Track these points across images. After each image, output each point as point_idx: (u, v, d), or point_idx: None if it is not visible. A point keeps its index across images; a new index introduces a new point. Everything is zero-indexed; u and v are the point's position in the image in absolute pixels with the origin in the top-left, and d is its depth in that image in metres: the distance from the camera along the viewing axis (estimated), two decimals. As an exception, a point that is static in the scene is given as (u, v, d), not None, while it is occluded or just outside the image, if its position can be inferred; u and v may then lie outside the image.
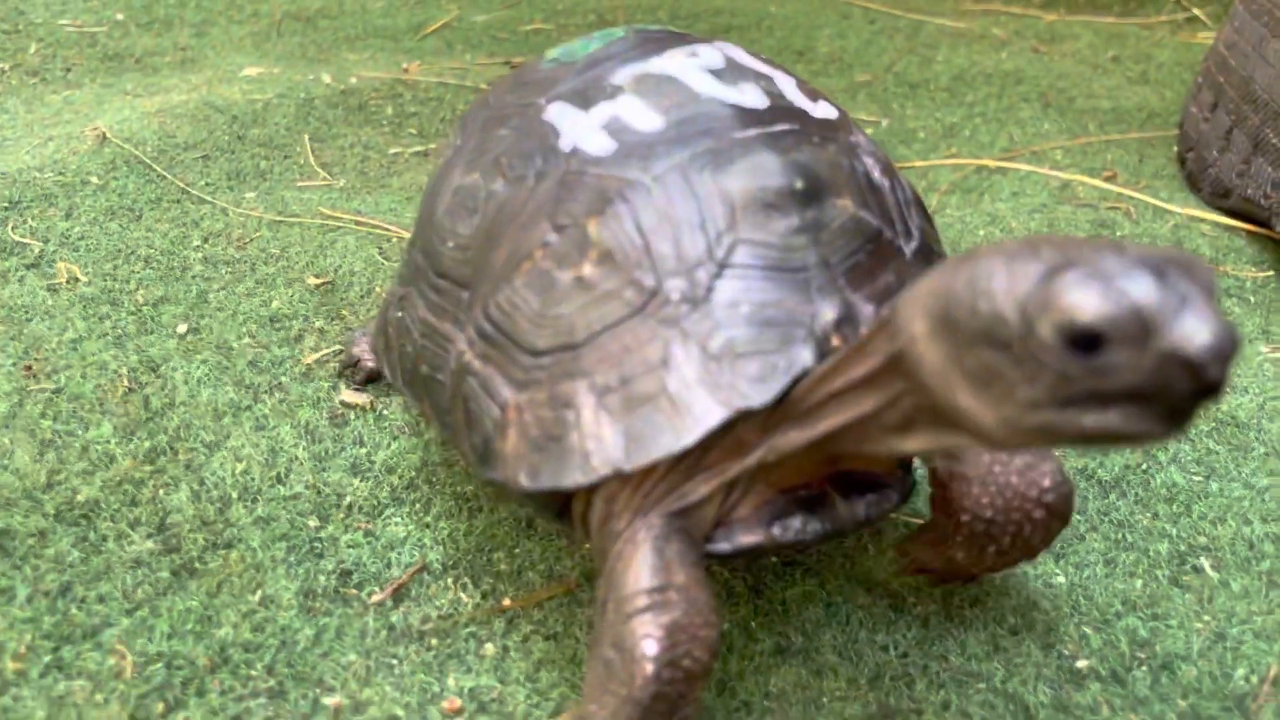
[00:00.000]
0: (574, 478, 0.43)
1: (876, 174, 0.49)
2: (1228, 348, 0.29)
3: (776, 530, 0.46)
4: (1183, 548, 0.59)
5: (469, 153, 0.53)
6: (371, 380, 0.71)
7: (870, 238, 0.46)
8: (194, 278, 0.84)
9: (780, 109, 0.48)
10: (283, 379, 0.72)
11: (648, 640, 0.42)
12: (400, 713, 0.49)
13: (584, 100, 0.49)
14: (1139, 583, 0.57)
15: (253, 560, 0.57)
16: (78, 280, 0.83)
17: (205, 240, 0.91)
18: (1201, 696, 0.50)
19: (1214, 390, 0.30)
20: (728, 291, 0.43)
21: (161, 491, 0.61)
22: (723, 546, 0.46)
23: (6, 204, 0.93)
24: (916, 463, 0.51)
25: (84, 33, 1.58)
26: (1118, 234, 0.99)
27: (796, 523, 0.46)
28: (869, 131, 1.28)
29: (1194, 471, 0.65)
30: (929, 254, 0.49)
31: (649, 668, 0.42)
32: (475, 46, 1.56)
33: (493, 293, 0.48)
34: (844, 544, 0.60)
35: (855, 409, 0.40)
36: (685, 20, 1.67)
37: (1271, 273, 0.93)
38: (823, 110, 0.51)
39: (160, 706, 0.49)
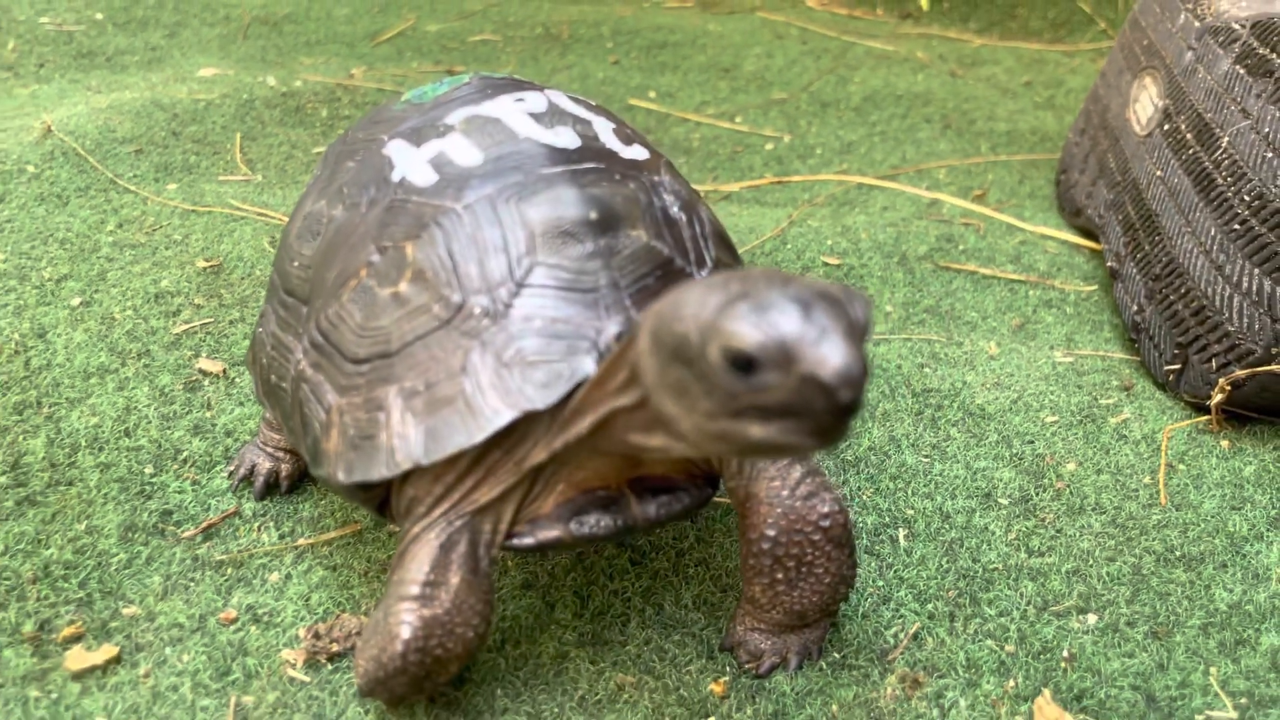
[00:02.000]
0: (379, 471, 0.50)
1: (675, 209, 0.56)
2: (856, 374, 0.36)
3: (574, 526, 0.52)
4: (886, 519, 0.68)
5: (321, 182, 0.61)
6: (272, 489, 0.69)
7: (661, 264, 0.53)
8: (99, 259, 0.94)
9: (589, 149, 0.56)
10: (152, 348, 0.81)
11: (404, 626, 0.49)
12: (184, 620, 0.59)
13: (418, 137, 0.57)
14: (851, 547, 0.65)
15: (87, 496, 0.66)
16: (0, 260, 0.93)
17: (119, 226, 1.01)
18: (853, 650, 0.59)
19: (849, 410, 0.36)
20: (524, 308, 0.49)
21: (21, 437, 0.70)
22: (526, 541, 0.52)
23: (-56, 187, 1.04)
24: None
25: (62, 31, 1.69)
26: (960, 248, 1.07)
27: (592, 519, 0.52)
28: (769, 147, 1.37)
29: (926, 454, 0.74)
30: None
31: (398, 648, 0.49)
32: (423, 54, 1.66)
33: (324, 307, 0.55)
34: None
35: (609, 409, 0.46)
36: (625, 36, 1.77)
37: (1095, 287, 1.02)
38: (633, 152, 0.58)
39: (-17, 609, 0.58)
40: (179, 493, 0.68)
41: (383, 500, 0.54)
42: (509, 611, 0.61)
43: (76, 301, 0.87)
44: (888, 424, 0.78)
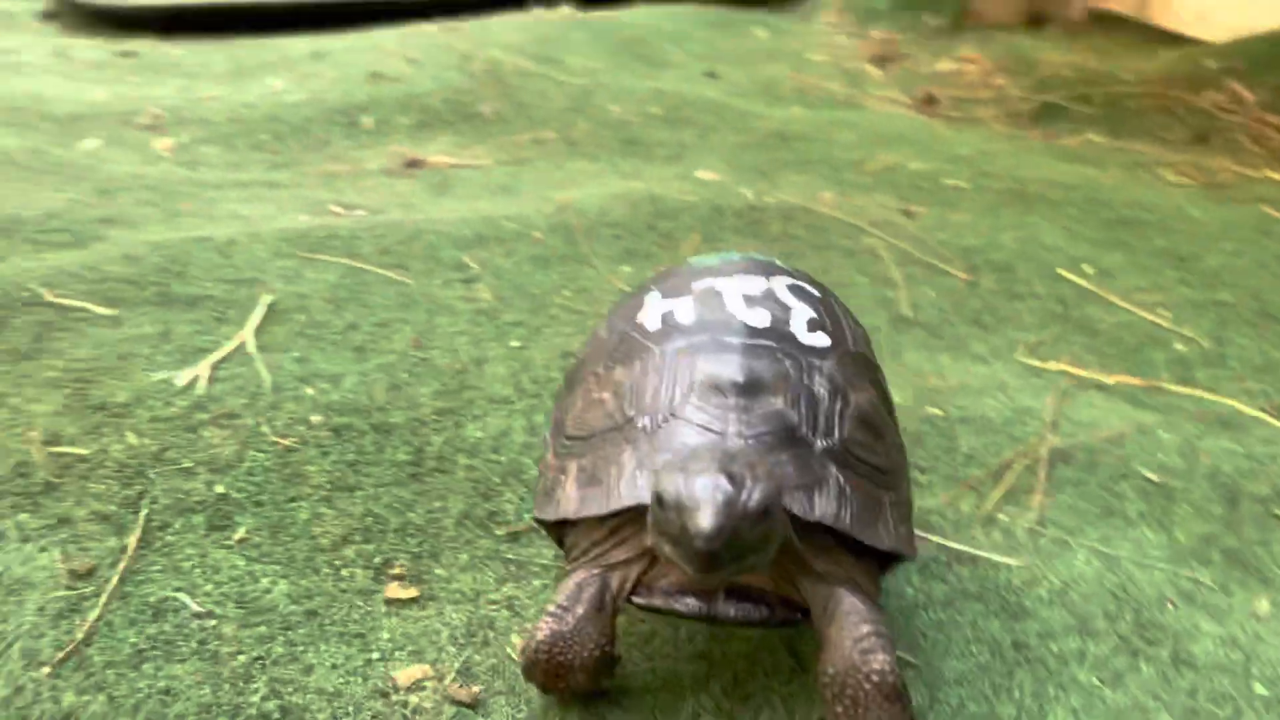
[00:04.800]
0: (549, 515, 0.72)
1: (821, 389, 0.70)
2: (710, 534, 0.53)
3: (671, 600, 0.68)
4: None
5: (612, 309, 0.84)
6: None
7: (785, 427, 0.68)
8: (547, 315, 1.24)
9: (773, 330, 0.72)
10: (543, 393, 1.08)
11: (539, 630, 0.69)
12: (466, 591, 0.83)
13: (667, 293, 0.77)
14: None
15: (450, 486, 0.94)
16: (485, 299, 1.26)
17: (574, 293, 1.31)
18: None
19: (708, 556, 0.53)
20: (669, 432, 0.68)
21: (432, 433, 1.00)
22: (638, 599, 0.70)
23: (473, 236, 1.41)
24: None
25: (621, 119, 2.10)
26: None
27: (687, 600, 0.68)
28: (1179, 347, 1.36)
29: (1095, 681, 0.78)
30: (839, 454, 0.69)
31: (533, 645, 0.69)
32: (894, 189, 1.83)
33: (566, 395, 0.78)
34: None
35: None
36: (1094, 205, 1.80)
37: None
38: (814, 339, 0.73)
39: None
40: (508, 502, 0.93)
41: (560, 540, 0.76)
42: (668, 666, 0.77)
43: (516, 344, 1.17)
44: (1068, 647, 0.82)
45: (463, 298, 1.26)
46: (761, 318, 0.73)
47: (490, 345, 1.16)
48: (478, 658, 0.77)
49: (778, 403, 0.68)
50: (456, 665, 0.76)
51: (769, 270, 0.79)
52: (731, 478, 0.54)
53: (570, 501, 0.70)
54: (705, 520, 0.52)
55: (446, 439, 0.99)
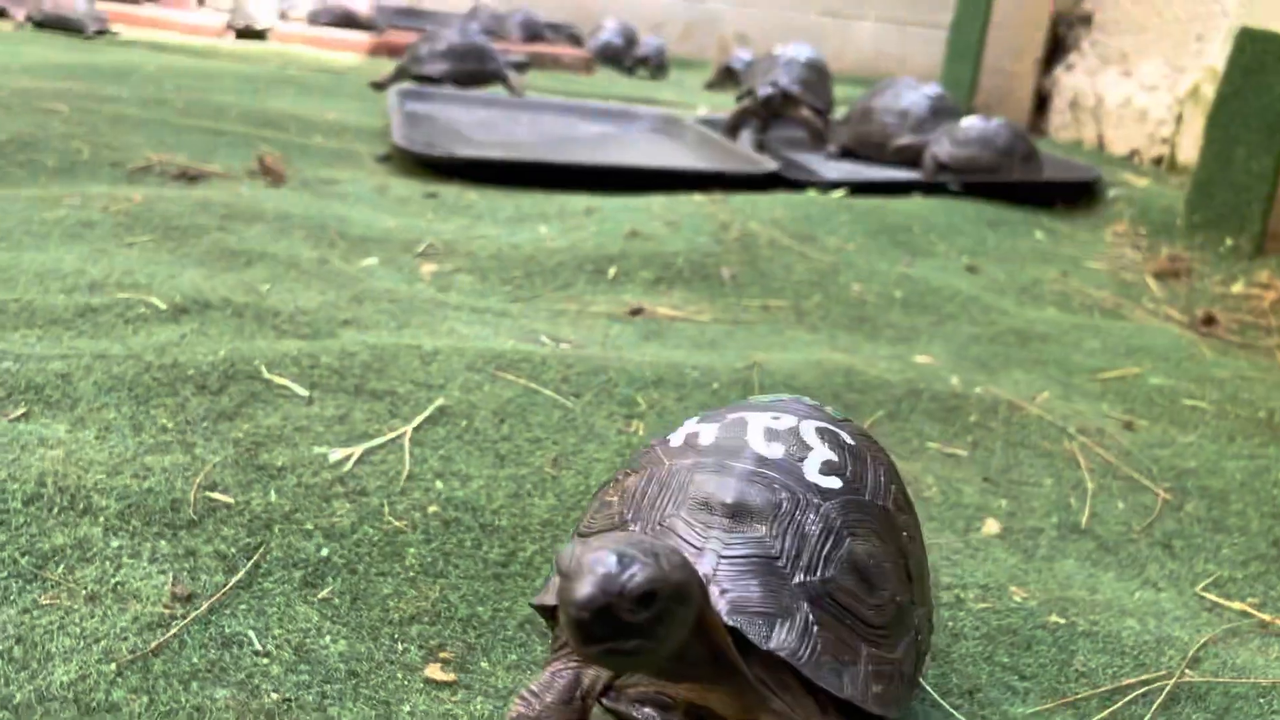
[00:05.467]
0: (533, 599, 0.77)
1: (814, 528, 0.70)
2: (581, 604, 0.54)
3: (634, 710, 0.70)
4: None
5: None
6: None
7: (765, 557, 0.68)
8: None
9: (781, 465, 0.73)
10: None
11: (510, 713, 0.72)
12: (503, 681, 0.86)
13: (705, 419, 0.80)
14: None
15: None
16: (638, 435, 1.32)
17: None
18: None
19: (581, 625, 0.55)
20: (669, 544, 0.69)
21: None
22: (605, 701, 0.71)
23: (653, 378, 1.47)
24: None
25: (859, 298, 2.13)
26: None
27: (649, 711, 0.69)
28: None
29: None
30: (816, 593, 0.68)
31: None
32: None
33: (595, 496, 0.83)
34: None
35: None
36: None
37: None
38: (825, 481, 0.73)
39: None
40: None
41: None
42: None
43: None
44: None
45: (619, 430, 1.32)
46: (775, 451, 0.75)
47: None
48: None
49: (761, 530, 0.69)
50: (457, 749, 0.79)
51: (807, 413, 0.80)
52: (620, 557, 0.55)
53: (550, 590, 0.73)
54: (580, 589, 0.54)
55: (540, 549, 1.04)
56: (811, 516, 0.71)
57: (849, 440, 0.79)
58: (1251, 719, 0.93)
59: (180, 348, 1.34)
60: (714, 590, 0.66)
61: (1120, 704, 0.94)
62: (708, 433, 0.78)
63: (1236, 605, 1.16)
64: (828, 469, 0.75)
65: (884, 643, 0.71)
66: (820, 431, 0.78)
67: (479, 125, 3.36)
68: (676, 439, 0.79)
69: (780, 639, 0.65)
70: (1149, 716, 0.92)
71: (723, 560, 0.68)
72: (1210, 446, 1.57)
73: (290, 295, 1.63)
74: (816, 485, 0.73)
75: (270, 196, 2.24)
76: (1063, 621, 1.04)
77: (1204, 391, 1.81)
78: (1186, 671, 0.99)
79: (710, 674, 0.65)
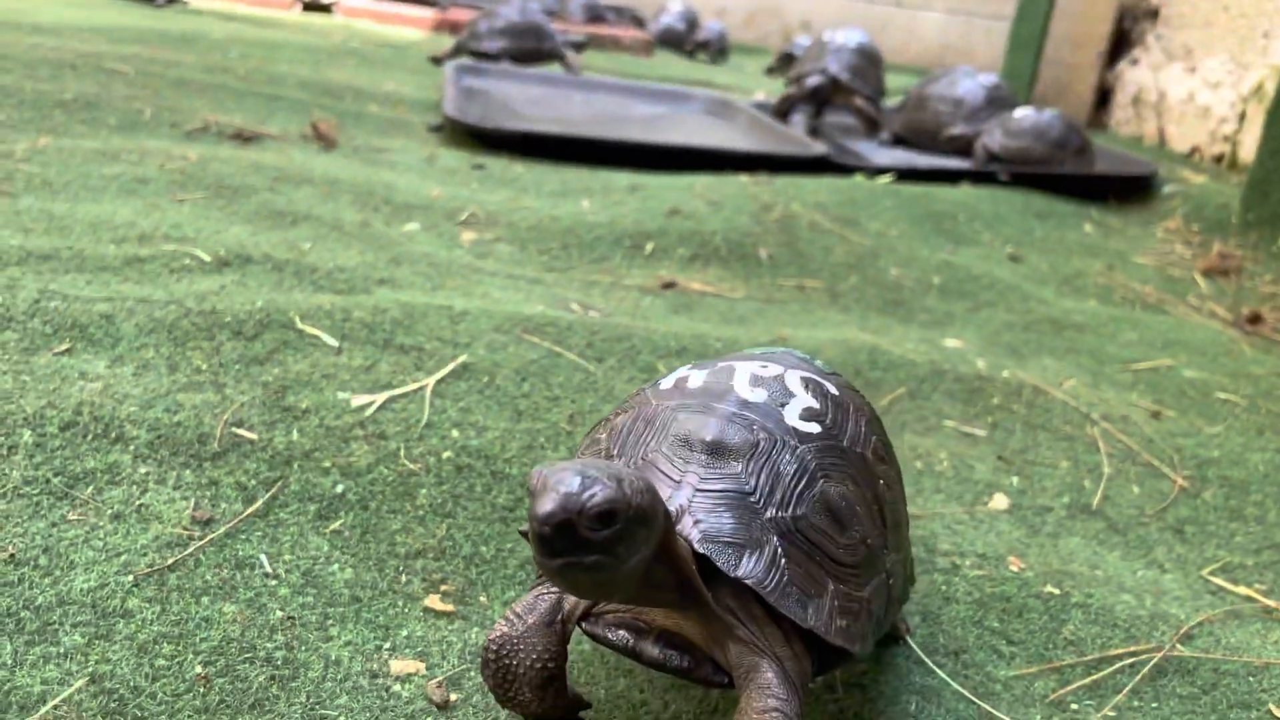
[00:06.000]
0: (521, 528, 0.79)
1: (789, 467, 0.72)
2: (543, 517, 0.58)
3: (607, 630, 0.73)
4: None
5: None
6: None
7: (737, 490, 0.71)
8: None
9: (762, 408, 0.76)
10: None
11: (494, 629, 0.75)
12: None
13: (700, 367, 0.83)
14: None
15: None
16: (660, 398, 1.35)
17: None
18: None
19: (544, 540, 0.58)
20: (638, 470, 0.73)
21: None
22: (585, 625, 0.75)
23: (676, 348, 1.50)
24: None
25: (896, 282, 2.13)
26: None
27: (620, 633, 0.73)
28: None
29: None
30: (786, 528, 0.70)
31: (486, 642, 0.75)
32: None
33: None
34: None
35: None
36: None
37: None
38: (804, 426, 0.75)
39: None
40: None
41: None
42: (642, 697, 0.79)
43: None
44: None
45: (637, 393, 1.35)
46: (758, 395, 0.77)
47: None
48: (471, 673, 0.83)
49: (737, 467, 0.72)
50: (448, 673, 0.83)
51: (795, 364, 0.83)
52: (583, 477, 0.58)
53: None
54: (543, 505, 0.57)
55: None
56: (787, 457, 0.73)
57: (833, 390, 0.81)
58: (1239, 696, 0.94)
59: (219, 296, 1.39)
60: (688, 520, 0.69)
61: (1105, 673, 0.95)
62: (696, 377, 0.80)
63: (1242, 590, 1.16)
64: (808, 415, 0.77)
65: (853, 581, 0.73)
66: (805, 381, 0.80)
67: (532, 102, 3.40)
68: (667, 383, 0.81)
69: (748, 568, 0.68)
70: (1132, 685, 0.93)
71: (698, 493, 0.70)
72: (1237, 439, 1.56)
73: (330, 254, 1.68)
74: (795, 429, 0.75)
75: (321, 161, 2.30)
76: (1057, 592, 1.05)
77: (1237, 386, 1.79)
78: (1178, 646, 1.00)
79: (676, 600, 0.68)
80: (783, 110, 3.34)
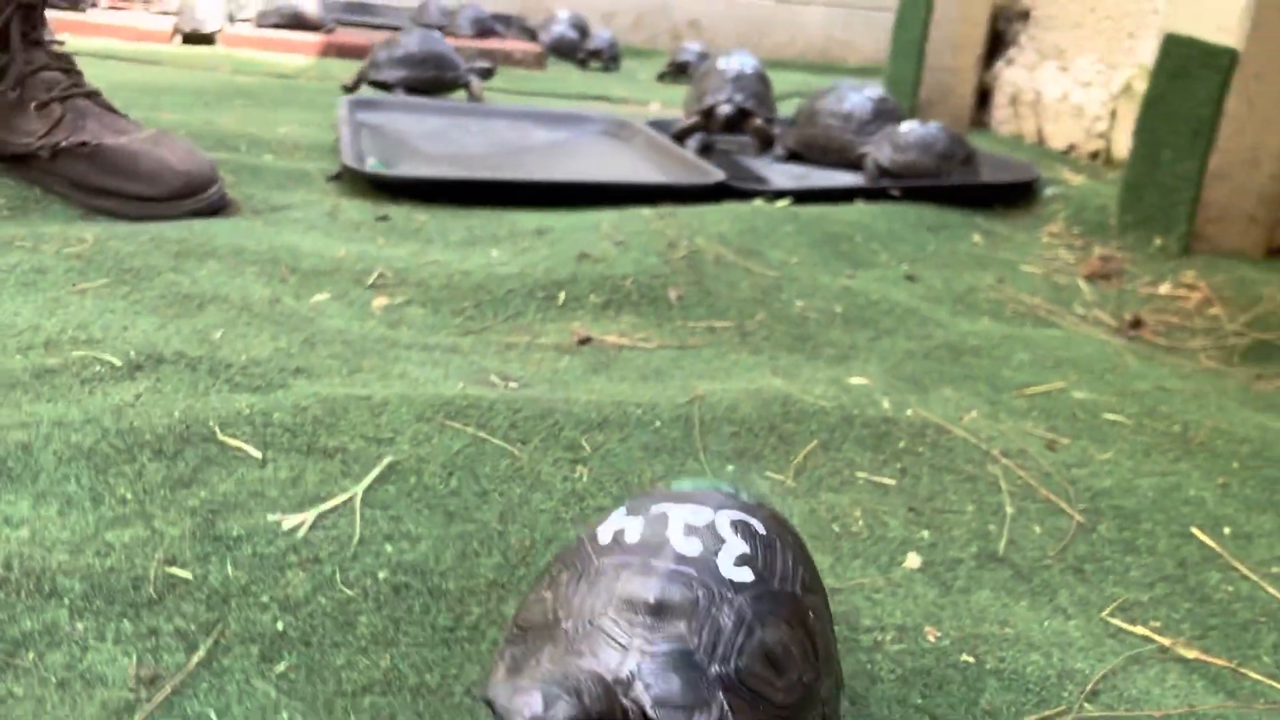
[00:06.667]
0: (474, 692, 0.84)
1: (727, 620, 0.78)
2: None
3: None
4: None
5: None
6: None
7: (682, 651, 0.76)
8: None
9: (697, 561, 0.81)
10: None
11: None
12: None
13: (630, 511, 0.87)
14: None
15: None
16: (582, 482, 1.39)
17: (668, 485, 1.41)
18: None
19: None
20: (586, 640, 0.78)
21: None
22: None
23: (598, 420, 1.54)
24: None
25: (801, 315, 2.20)
26: None
27: None
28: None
29: None
30: (731, 682, 0.76)
31: None
32: (1027, 416, 1.81)
33: (531, 587, 0.88)
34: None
35: None
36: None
37: None
38: (738, 574, 0.81)
39: None
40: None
41: None
42: None
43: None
44: None
45: (564, 478, 1.39)
46: (693, 547, 0.82)
47: (566, 527, 1.28)
48: None
49: (681, 627, 0.77)
50: (407, 822, 0.86)
51: (722, 504, 0.88)
52: (546, 697, 0.63)
53: (492, 685, 0.80)
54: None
55: (485, 612, 1.11)
56: (726, 610, 0.79)
57: (761, 531, 0.86)
58: (1140, 752, 1.02)
59: (135, 410, 1.39)
60: (639, 685, 0.74)
61: (1021, 743, 1.02)
62: (633, 529, 0.85)
63: (1139, 630, 1.26)
64: (740, 561, 0.82)
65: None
66: (734, 525, 0.85)
67: (429, 136, 3.39)
68: (605, 535, 0.86)
69: None
70: (1045, 756, 1.01)
71: (645, 656, 0.75)
72: (1126, 464, 1.67)
73: (243, 343, 1.68)
74: (730, 580, 0.81)
75: (222, 229, 2.27)
76: (972, 660, 1.13)
77: (1124, 405, 1.90)
78: (1085, 705, 1.08)
79: None
80: (683, 137, 3.40)
